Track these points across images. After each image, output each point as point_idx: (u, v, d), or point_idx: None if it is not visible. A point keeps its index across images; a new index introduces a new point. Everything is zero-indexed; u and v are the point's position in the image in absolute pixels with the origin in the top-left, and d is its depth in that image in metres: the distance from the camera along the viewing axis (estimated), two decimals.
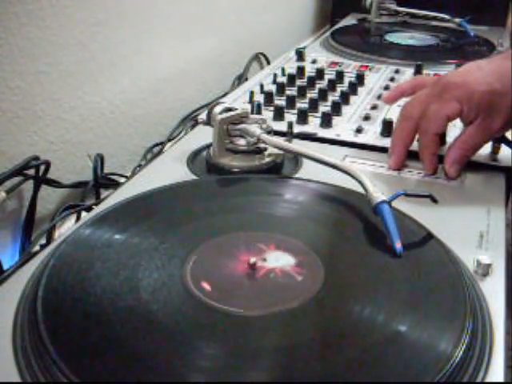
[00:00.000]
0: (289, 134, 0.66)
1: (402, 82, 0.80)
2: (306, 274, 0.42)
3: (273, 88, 0.82)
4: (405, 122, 0.61)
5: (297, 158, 0.62)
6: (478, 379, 0.35)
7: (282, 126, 0.69)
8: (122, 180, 0.74)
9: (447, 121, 0.58)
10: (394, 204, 0.48)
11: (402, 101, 0.79)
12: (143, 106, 0.83)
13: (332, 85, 0.83)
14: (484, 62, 0.61)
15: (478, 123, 0.57)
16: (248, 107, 0.73)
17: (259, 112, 0.74)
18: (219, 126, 0.58)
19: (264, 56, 1.20)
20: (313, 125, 0.72)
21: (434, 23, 1.30)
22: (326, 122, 0.71)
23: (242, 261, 0.43)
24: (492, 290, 0.42)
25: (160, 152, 0.78)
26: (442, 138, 0.63)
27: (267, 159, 0.59)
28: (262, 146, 0.59)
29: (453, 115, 0.57)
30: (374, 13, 1.33)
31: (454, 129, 0.67)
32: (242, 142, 0.59)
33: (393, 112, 0.76)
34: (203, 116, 0.72)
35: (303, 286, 0.41)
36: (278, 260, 0.44)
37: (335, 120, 0.73)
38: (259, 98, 0.79)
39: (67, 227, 0.62)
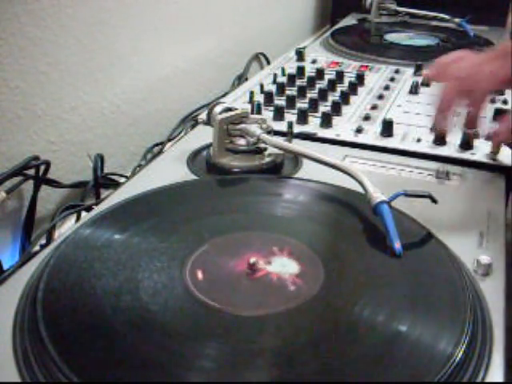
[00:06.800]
0: (289, 134, 0.66)
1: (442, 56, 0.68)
2: (302, 285, 0.42)
3: (273, 88, 0.82)
4: (454, 82, 0.57)
5: (297, 158, 0.62)
6: (478, 379, 0.35)
7: (281, 126, 0.69)
8: (122, 180, 0.74)
9: (501, 83, 0.55)
10: (393, 204, 0.48)
11: (402, 101, 0.80)
12: (143, 106, 0.83)
13: (332, 85, 0.83)
14: None
15: None
16: (248, 107, 0.73)
17: (259, 112, 0.74)
18: (219, 126, 0.58)
19: (264, 56, 1.20)
20: (313, 125, 0.72)
21: (434, 23, 1.30)
22: (326, 122, 0.71)
23: (243, 261, 0.43)
24: (492, 290, 0.42)
25: (160, 152, 0.78)
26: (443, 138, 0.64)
27: (267, 159, 0.59)
28: (262, 145, 0.59)
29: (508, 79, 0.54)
30: (374, 13, 1.33)
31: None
32: (242, 141, 0.59)
33: (393, 112, 0.76)
34: (203, 116, 0.72)
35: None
36: (283, 265, 0.43)
37: (335, 120, 0.73)
38: (259, 98, 0.79)
39: (67, 227, 0.62)
